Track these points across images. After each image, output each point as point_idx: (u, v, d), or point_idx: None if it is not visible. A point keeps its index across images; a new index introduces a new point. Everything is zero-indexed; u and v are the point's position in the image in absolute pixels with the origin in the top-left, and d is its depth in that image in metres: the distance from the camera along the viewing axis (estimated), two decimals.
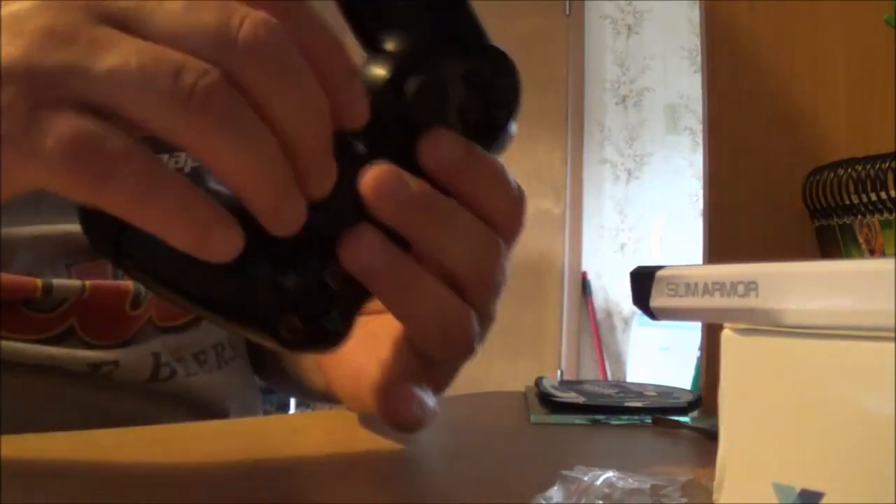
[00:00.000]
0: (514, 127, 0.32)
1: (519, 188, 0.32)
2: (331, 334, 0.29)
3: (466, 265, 0.30)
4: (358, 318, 0.30)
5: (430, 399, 0.33)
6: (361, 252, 0.28)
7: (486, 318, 0.33)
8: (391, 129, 0.29)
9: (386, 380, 0.34)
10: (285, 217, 0.26)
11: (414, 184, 0.29)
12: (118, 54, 0.24)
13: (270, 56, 0.25)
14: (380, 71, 0.29)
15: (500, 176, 0.31)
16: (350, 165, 0.28)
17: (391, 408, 0.32)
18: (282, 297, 0.28)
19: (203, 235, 0.25)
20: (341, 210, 0.28)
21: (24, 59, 0.24)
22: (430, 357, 0.33)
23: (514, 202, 0.32)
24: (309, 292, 0.28)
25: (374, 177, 0.28)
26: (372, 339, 0.36)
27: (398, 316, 0.31)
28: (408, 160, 0.29)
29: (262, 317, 0.28)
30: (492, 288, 0.32)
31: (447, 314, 0.30)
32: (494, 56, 0.31)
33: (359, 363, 0.36)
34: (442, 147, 0.29)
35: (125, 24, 0.25)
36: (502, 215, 0.31)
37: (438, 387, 0.35)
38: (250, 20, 0.24)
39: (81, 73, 0.24)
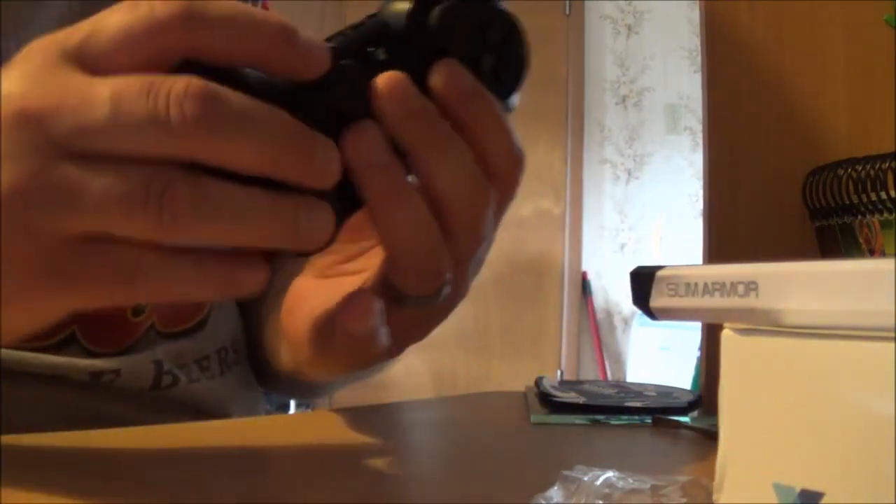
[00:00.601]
0: (516, 99, 0.33)
1: (520, 149, 0.32)
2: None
3: (453, 196, 0.31)
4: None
5: (386, 333, 0.33)
6: (364, 143, 0.29)
7: (461, 274, 0.33)
8: (409, 52, 0.30)
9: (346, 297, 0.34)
10: (319, 173, 0.27)
11: (423, 98, 0.30)
12: (89, 194, 0.25)
13: (210, 124, 0.25)
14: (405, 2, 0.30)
15: (502, 125, 0.32)
16: (365, 69, 0.29)
17: (347, 310, 0.32)
18: None
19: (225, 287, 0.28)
20: (350, 106, 0.29)
21: (16, 208, 0.26)
22: (396, 289, 0.33)
23: (513, 157, 0.32)
24: None
25: (388, 77, 0.29)
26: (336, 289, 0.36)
27: (379, 226, 0.31)
28: (421, 85, 0.30)
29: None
30: (474, 233, 0.32)
31: (424, 241, 0.31)
32: (512, 20, 0.32)
33: (317, 302, 0.36)
34: (453, 74, 0.30)
35: (79, 152, 0.26)
36: (499, 165, 0.32)
37: (398, 337, 0.34)
38: (175, 100, 0.25)
39: (69, 213, 0.26)
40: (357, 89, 0.29)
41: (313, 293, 0.37)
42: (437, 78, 0.30)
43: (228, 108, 0.25)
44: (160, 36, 0.26)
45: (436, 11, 0.30)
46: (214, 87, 0.25)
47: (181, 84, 0.25)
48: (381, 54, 0.30)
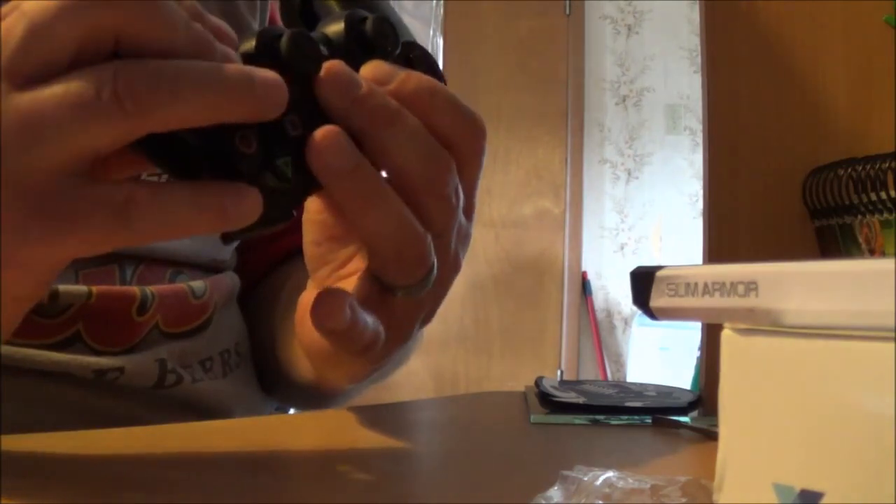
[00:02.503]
0: None
1: (473, 116, 0.33)
2: (279, 177, 0.30)
3: (411, 166, 0.31)
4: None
5: (372, 322, 0.33)
6: (331, 150, 0.29)
7: (443, 248, 0.34)
8: (348, 59, 0.31)
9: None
10: (265, 103, 0.28)
11: (362, 79, 0.31)
12: (46, 113, 0.26)
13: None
14: (338, 22, 0.33)
15: (443, 95, 0.32)
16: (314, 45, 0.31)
17: (319, 306, 0.32)
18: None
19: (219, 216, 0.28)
20: (306, 107, 0.30)
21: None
22: (386, 283, 0.33)
23: (465, 123, 0.33)
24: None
25: (329, 63, 0.30)
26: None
27: (357, 226, 0.32)
28: None
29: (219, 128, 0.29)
30: (442, 201, 0.32)
31: (404, 233, 0.31)
32: (430, 54, 0.35)
33: None
34: (380, 64, 0.32)
35: (24, 78, 0.26)
36: (452, 133, 0.32)
37: (395, 329, 0.35)
38: None
39: (36, 141, 0.26)
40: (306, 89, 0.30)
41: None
42: (366, 68, 0.31)
43: (152, 79, 0.26)
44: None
45: (369, 22, 0.33)
46: (141, 66, 0.26)
47: (107, 73, 0.26)
48: (325, 51, 0.31)
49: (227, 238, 0.30)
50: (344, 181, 0.30)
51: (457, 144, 0.32)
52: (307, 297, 0.38)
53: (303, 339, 0.38)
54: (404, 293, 0.34)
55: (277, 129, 0.29)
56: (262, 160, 0.29)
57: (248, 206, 0.28)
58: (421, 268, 0.33)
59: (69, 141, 0.26)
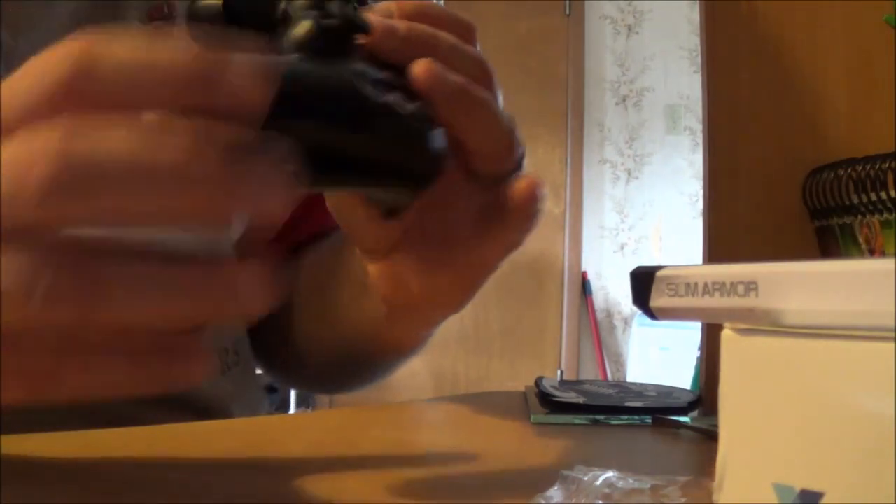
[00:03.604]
0: None
1: (481, 58, 0.35)
2: (359, 27, 0.31)
3: (473, 75, 0.34)
4: None
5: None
6: (436, 79, 0.32)
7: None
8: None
9: None
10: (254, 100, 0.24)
11: (392, 21, 0.33)
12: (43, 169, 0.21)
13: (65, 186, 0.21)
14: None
15: (427, 4, 0.34)
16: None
17: (516, 190, 0.36)
18: None
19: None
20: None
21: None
22: (490, 175, 0.36)
23: (455, 21, 0.35)
24: None
25: (373, 20, 0.32)
26: None
27: (469, 135, 0.34)
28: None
29: None
30: (495, 100, 0.36)
31: (504, 125, 0.35)
32: None
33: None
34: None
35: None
36: (467, 66, 0.34)
37: (468, 279, 0.40)
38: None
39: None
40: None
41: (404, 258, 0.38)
42: (374, 12, 0.33)
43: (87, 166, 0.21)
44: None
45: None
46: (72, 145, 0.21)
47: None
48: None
49: (390, 213, 0.34)
50: (458, 98, 0.32)
51: (476, 77, 0.35)
52: (376, 268, 0.39)
53: (386, 294, 0.39)
54: (504, 179, 0.36)
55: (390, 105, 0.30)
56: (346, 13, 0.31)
57: (195, 371, 0.26)
58: (516, 151, 0.36)
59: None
